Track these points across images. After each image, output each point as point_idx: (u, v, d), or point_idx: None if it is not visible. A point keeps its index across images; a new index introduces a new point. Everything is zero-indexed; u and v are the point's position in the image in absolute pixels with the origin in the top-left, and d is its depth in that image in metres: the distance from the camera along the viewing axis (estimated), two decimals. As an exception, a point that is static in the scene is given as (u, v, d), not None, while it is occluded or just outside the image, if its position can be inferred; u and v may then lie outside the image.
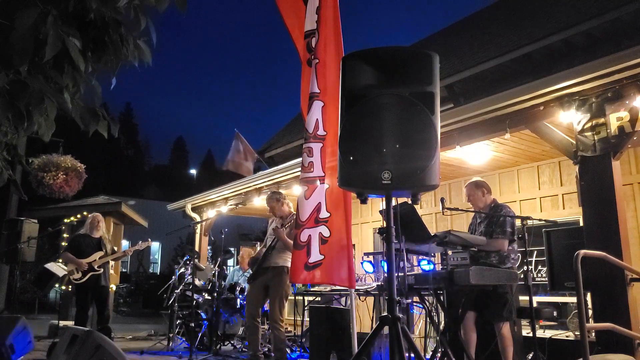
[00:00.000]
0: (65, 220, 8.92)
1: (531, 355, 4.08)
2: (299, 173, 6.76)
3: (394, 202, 2.29)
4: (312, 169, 3.72)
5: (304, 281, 3.79)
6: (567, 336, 4.39)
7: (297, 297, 6.75)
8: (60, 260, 7.28)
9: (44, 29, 1.78)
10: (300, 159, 6.75)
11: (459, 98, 8.18)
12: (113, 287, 8.89)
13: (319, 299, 6.50)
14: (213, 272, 6.97)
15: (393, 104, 2.16)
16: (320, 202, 3.69)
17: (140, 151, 53.14)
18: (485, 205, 4.18)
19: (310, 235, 3.65)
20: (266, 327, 6.62)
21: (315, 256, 3.62)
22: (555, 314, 4.88)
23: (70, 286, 6.10)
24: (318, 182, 3.73)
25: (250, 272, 5.32)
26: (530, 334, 3.82)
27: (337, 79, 2.65)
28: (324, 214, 3.68)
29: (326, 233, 3.64)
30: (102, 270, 5.99)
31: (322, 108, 3.73)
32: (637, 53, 3.57)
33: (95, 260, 5.95)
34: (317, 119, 3.73)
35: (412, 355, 2.22)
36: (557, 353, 4.18)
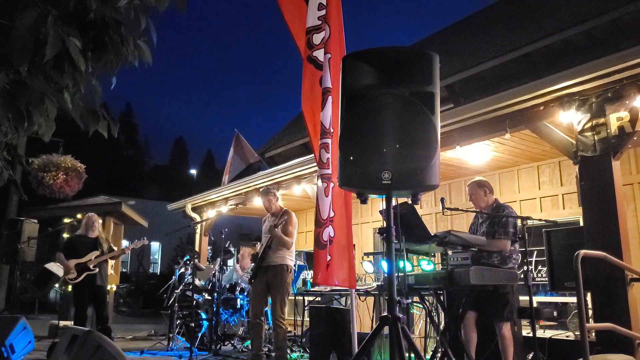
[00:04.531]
0: (65, 220, 8.91)
1: (531, 355, 4.08)
2: (299, 173, 6.83)
3: (394, 202, 2.29)
4: (329, 166, 3.65)
5: (323, 281, 3.70)
6: (567, 336, 4.38)
7: (297, 297, 6.75)
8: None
9: (44, 29, 1.78)
10: (300, 159, 6.81)
11: (459, 98, 8.18)
12: (113, 287, 8.88)
13: (319, 299, 6.50)
14: (213, 272, 6.97)
15: (393, 104, 2.16)
16: (331, 201, 3.67)
17: (140, 151, 53.09)
18: (487, 205, 4.18)
19: (329, 233, 3.61)
20: (267, 326, 6.63)
21: (329, 256, 3.60)
22: (555, 314, 4.87)
23: (68, 286, 6.09)
24: (320, 182, 3.71)
25: (249, 271, 5.34)
26: (530, 334, 3.82)
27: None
28: (331, 213, 3.66)
29: (332, 233, 3.63)
30: (97, 270, 5.99)
31: (332, 104, 3.68)
32: (637, 53, 3.57)
33: (90, 260, 5.94)
34: (330, 115, 3.67)
35: (412, 355, 2.22)
36: (557, 353, 4.17)
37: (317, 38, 3.97)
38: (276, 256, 4.96)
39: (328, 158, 3.65)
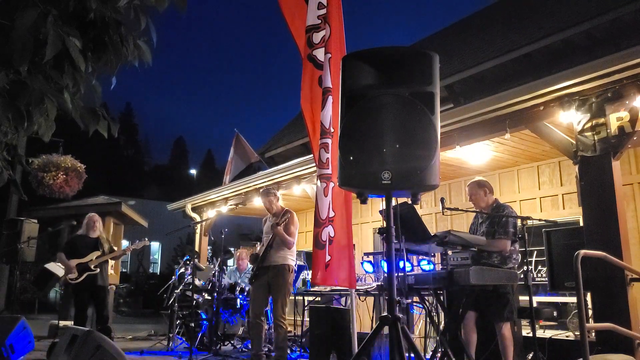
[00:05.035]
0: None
1: (531, 355, 4.08)
2: (299, 173, 6.83)
3: (394, 202, 2.29)
4: (328, 166, 3.65)
5: (321, 281, 3.72)
6: (567, 336, 4.39)
7: (297, 297, 6.75)
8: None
9: (44, 29, 1.78)
10: (300, 159, 6.81)
11: (459, 98, 8.18)
12: (113, 287, 8.87)
13: (319, 299, 6.50)
14: (213, 272, 6.97)
15: (393, 104, 2.16)
16: (330, 201, 3.67)
17: (140, 151, 53.09)
18: (487, 205, 4.18)
19: (328, 233, 3.62)
20: (267, 326, 6.63)
21: (328, 256, 3.61)
22: (555, 314, 4.88)
23: (68, 286, 6.09)
24: (319, 182, 3.70)
25: (249, 271, 5.33)
26: (530, 334, 3.82)
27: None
28: (331, 212, 3.66)
29: (332, 233, 3.63)
30: (98, 270, 5.99)
31: (332, 104, 3.67)
32: (637, 53, 3.57)
33: (91, 260, 5.94)
34: (330, 115, 3.67)
35: (412, 355, 2.22)
36: (557, 353, 4.18)
37: (317, 37, 3.97)
38: (278, 256, 4.94)
39: (328, 158, 3.65)
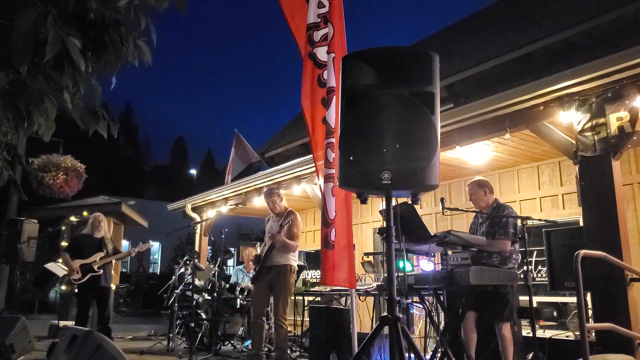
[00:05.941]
0: (67, 220, 8.92)
1: (531, 355, 4.08)
2: (299, 173, 6.82)
3: (394, 202, 2.29)
4: (334, 166, 3.66)
5: (332, 282, 3.72)
6: (567, 336, 4.39)
7: (297, 297, 6.74)
8: (60, 261, 7.29)
9: (44, 29, 1.78)
10: (300, 159, 6.81)
11: (459, 98, 8.18)
12: (113, 287, 8.88)
13: (319, 299, 6.50)
14: (213, 272, 6.97)
15: (393, 104, 2.16)
16: (334, 201, 3.66)
17: (140, 151, 53.13)
18: (487, 205, 4.18)
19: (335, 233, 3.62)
20: (267, 326, 6.63)
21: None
22: (555, 314, 4.88)
23: (70, 286, 6.09)
24: (327, 181, 3.69)
25: (254, 271, 5.34)
26: (530, 334, 3.82)
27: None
28: (334, 213, 3.66)
29: (334, 233, 3.63)
30: (101, 271, 5.99)
31: (336, 103, 3.67)
32: (637, 53, 3.57)
33: (95, 260, 5.94)
34: (335, 114, 3.68)
35: (412, 355, 2.22)
36: (557, 353, 4.18)
37: (317, 35, 3.98)
38: (280, 256, 4.93)
39: (334, 158, 3.65)
